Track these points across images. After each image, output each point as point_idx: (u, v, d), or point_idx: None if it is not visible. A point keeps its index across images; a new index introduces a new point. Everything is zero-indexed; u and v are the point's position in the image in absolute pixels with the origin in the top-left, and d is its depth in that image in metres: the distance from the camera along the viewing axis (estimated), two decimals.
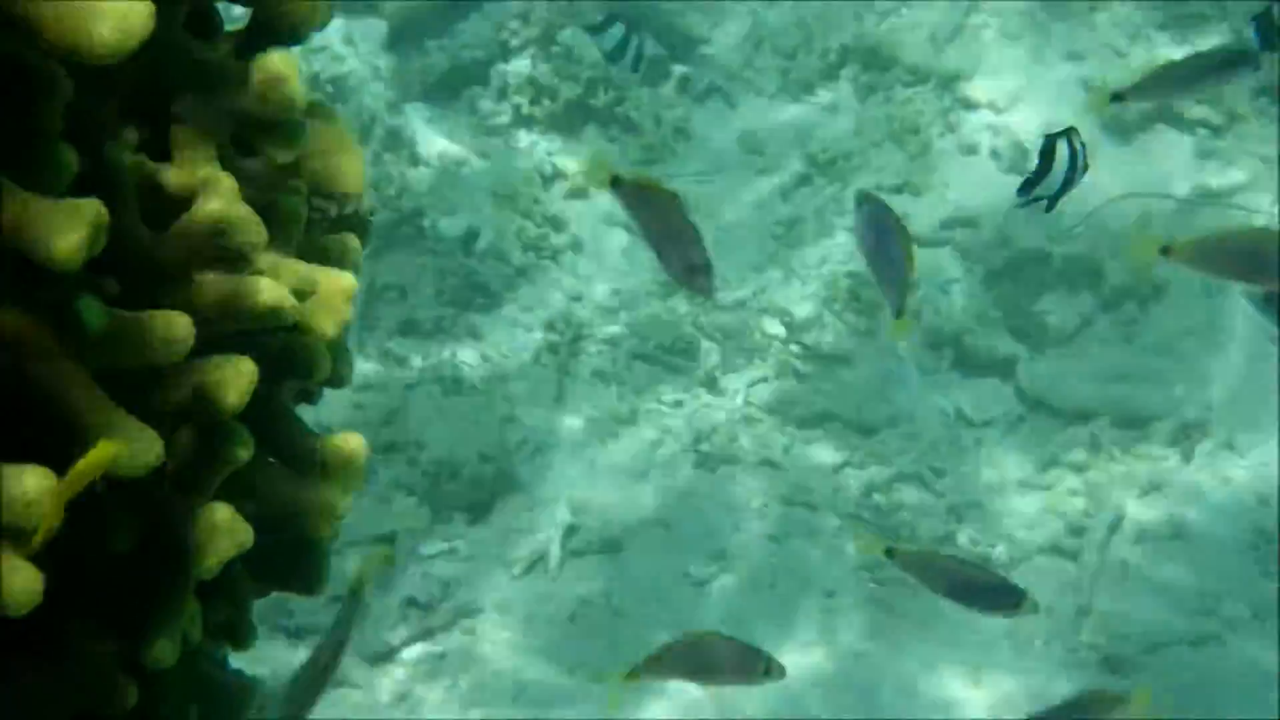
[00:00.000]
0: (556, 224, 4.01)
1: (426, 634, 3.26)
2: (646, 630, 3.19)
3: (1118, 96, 2.16)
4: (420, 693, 3.16)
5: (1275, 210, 3.86)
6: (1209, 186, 3.95)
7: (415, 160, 4.15)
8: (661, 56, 2.57)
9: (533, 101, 4.29)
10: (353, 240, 1.16)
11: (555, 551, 3.37)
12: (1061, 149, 2.09)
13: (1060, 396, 3.60)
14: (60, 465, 0.94)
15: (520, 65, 4.31)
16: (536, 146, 4.21)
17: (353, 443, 1.12)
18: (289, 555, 1.16)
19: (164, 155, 1.08)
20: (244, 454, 1.02)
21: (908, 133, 4.12)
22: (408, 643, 3.25)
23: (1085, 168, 2.10)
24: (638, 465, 3.55)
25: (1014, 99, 4.17)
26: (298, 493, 1.12)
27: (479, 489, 3.47)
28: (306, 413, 1.36)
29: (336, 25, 4.47)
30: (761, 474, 3.53)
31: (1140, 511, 3.38)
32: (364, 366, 3.71)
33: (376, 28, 4.49)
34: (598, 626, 3.26)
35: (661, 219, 1.83)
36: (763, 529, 3.42)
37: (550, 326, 3.81)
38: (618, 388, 3.71)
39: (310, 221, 1.17)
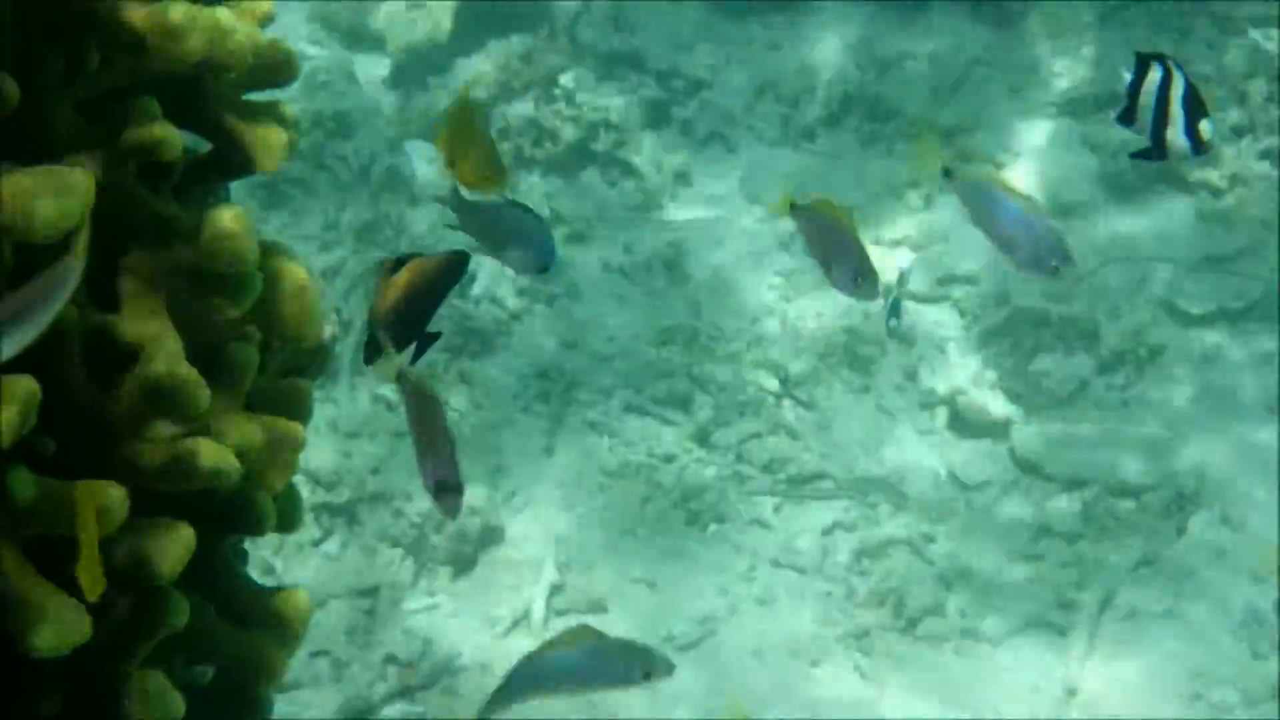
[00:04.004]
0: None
1: (407, 692, 3.22)
2: (622, 693, 3.16)
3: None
4: None
5: (1275, 277, 3.82)
6: (1209, 250, 3.91)
7: (413, 200, 4.13)
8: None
9: (534, 143, 4.27)
10: (305, 384, 1.13)
11: (539, 609, 3.33)
12: (1154, 76, 1.56)
13: (1054, 462, 3.56)
14: None
15: (522, 107, 4.28)
16: (536, 189, 4.18)
17: (297, 600, 1.09)
18: (227, 705, 1.13)
19: (115, 302, 1.05)
20: (178, 621, 0.99)
21: (907, 186, 4.09)
22: (388, 700, 3.22)
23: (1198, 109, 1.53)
24: (626, 520, 3.52)
25: (1016, 155, 4.14)
26: (237, 647, 1.09)
27: (464, 542, 3.44)
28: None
29: (341, 60, 4.44)
30: (751, 533, 3.50)
31: (1131, 586, 3.33)
32: (354, 411, 3.68)
33: (380, 64, 4.47)
34: None
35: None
36: (749, 592, 3.38)
37: (543, 374, 3.78)
38: (609, 440, 3.68)
39: (264, 361, 1.15)
